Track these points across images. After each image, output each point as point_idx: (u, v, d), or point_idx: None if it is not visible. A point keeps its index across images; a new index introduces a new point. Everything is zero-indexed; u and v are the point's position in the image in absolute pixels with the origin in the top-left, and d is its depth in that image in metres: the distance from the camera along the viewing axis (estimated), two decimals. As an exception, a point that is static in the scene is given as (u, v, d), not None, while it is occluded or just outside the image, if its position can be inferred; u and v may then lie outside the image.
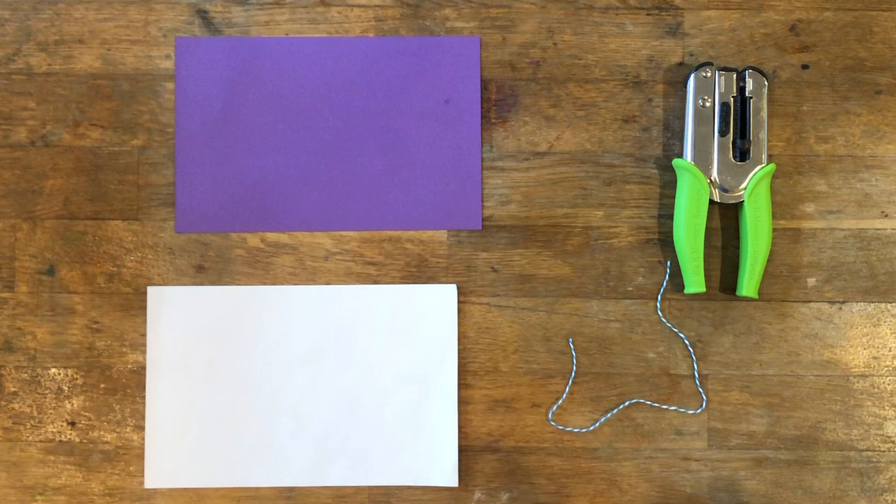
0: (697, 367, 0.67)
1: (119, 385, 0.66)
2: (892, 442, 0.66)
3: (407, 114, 0.68)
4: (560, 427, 0.67)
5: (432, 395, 0.66)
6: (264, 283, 0.67)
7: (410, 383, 0.67)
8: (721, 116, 0.65)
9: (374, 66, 0.68)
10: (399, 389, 0.67)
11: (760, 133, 0.65)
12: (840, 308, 0.67)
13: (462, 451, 0.67)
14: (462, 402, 0.67)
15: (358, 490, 0.66)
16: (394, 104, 0.68)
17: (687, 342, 0.67)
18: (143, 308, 0.67)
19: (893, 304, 0.67)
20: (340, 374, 0.67)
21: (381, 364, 0.67)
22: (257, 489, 0.66)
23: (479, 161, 0.68)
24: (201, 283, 0.67)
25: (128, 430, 0.66)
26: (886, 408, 0.66)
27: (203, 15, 0.68)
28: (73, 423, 0.66)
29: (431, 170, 0.68)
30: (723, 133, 0.65)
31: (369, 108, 0.68)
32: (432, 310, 0.67)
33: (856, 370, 0.67)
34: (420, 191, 0.68)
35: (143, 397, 0.66)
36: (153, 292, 0.67)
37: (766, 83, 0.66)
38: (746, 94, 0.65)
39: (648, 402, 0.67)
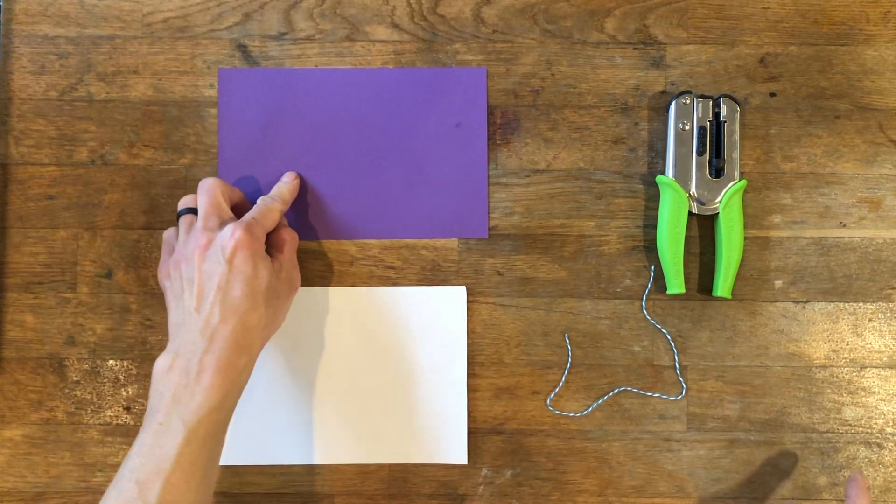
0: (678, 358, 0.68)
1: (168, 375, 0.68)
2: (849, 425, 0.68)
3: (422, 136, 0.68)
4: (557, 412, 0.68)
5: (445, 383, 0.67)
6: (297, 285, 0.66)
7: (425, 373, 0.67)
8: (699, 138, 0.66)
9: (394, 94, 0.68)
10: (415, 378, 0.67)
11: (733, 153, 0.66)
12: (803, 307, 0.68)
13: (471, 432, 0.68)
14: (471, 389, 0.68)
15: (380, 467, 0.67)
16: (411, 128, 0.68)
17: (669, 337, 0.68)
18: (190, 307, 0.68)
19: (850, 303, 0.68)
20: (363, 365, 0.68)
21: (399, 356, 0.67)
22: (290, 466, 0.67)
23: (485, 177, 0.68)
24: (242, 285, 0.68)
25: (176, 414, 0.68)
26: (844, 395, 0.68)
27: (243, 49, 0.69)
28: (128, 408, 0.68)
29: (444, 185, 0.68)
30: (700, 153, 0.66)
31: (389, 131, 0.68)
32: (444, 309, 0.68)
33: (817, 362, 0.68)
34: (434, 204, 0.68)
35: (190, 386, 0.68)
36: (199, 293, 0.68)
37: (738, 109, 0.66)
38: (721, 119, 0.66)
39: (635, 390, 0.68)
